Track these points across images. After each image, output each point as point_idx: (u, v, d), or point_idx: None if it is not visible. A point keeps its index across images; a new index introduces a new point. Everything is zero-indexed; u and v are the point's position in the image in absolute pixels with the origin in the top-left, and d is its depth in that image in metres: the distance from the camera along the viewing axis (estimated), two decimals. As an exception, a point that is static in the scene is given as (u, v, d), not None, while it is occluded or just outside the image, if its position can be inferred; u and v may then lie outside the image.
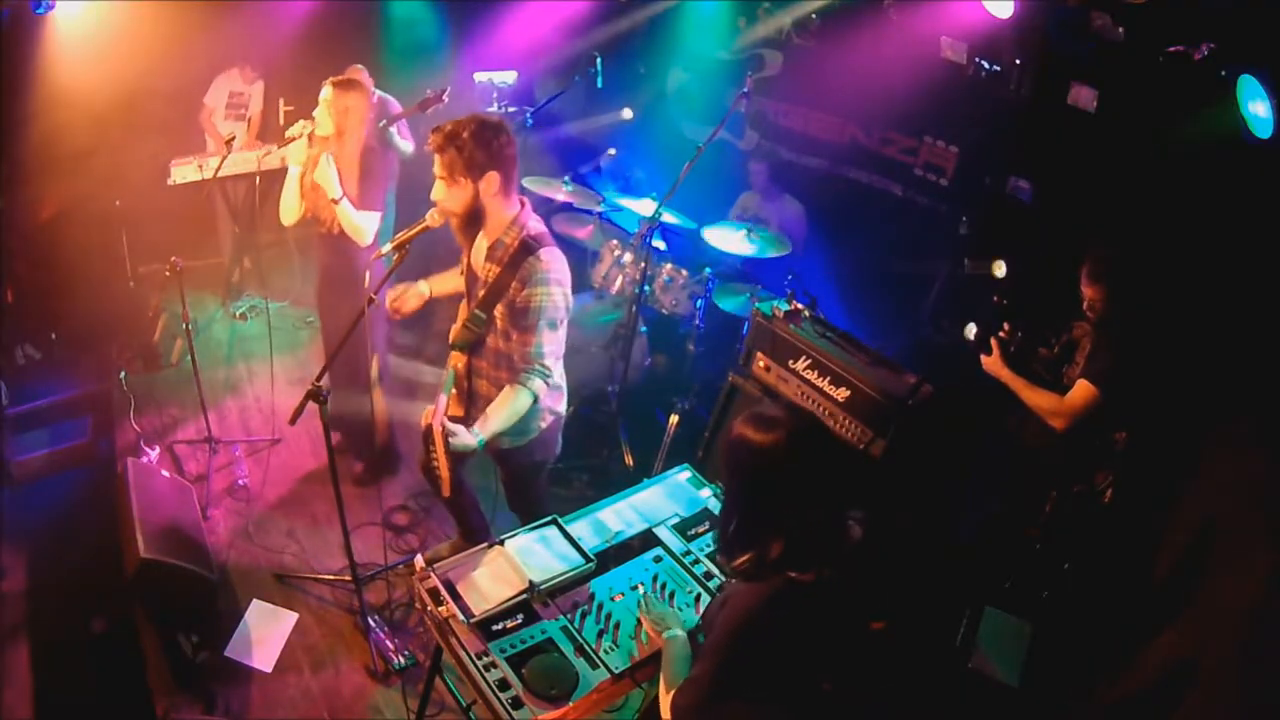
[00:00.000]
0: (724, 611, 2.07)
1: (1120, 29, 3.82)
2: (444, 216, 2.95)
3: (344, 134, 3.86)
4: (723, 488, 2.11)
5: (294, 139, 3.87)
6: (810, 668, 2.18)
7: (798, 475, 1.99)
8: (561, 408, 3.32)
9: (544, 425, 3.24)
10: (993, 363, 3.55)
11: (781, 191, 5.59)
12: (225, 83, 5.86)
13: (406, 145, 5.21)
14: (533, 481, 3.44)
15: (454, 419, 2.99)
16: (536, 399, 3.00)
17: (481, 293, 3.04)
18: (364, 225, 3.90)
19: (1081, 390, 3.27)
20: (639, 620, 2.54)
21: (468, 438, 2.85)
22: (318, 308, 4.41)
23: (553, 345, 2.99)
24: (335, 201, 3.85)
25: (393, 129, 5.06)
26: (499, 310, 3.00)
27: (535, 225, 3.00)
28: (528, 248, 2.93)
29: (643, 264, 4.50)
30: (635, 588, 2.67)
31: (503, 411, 2.95)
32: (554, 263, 2.94)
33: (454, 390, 3.23)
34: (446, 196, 2.91)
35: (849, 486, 2.17)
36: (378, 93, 5.30)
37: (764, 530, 2.00)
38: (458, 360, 3.18)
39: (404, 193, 5.40)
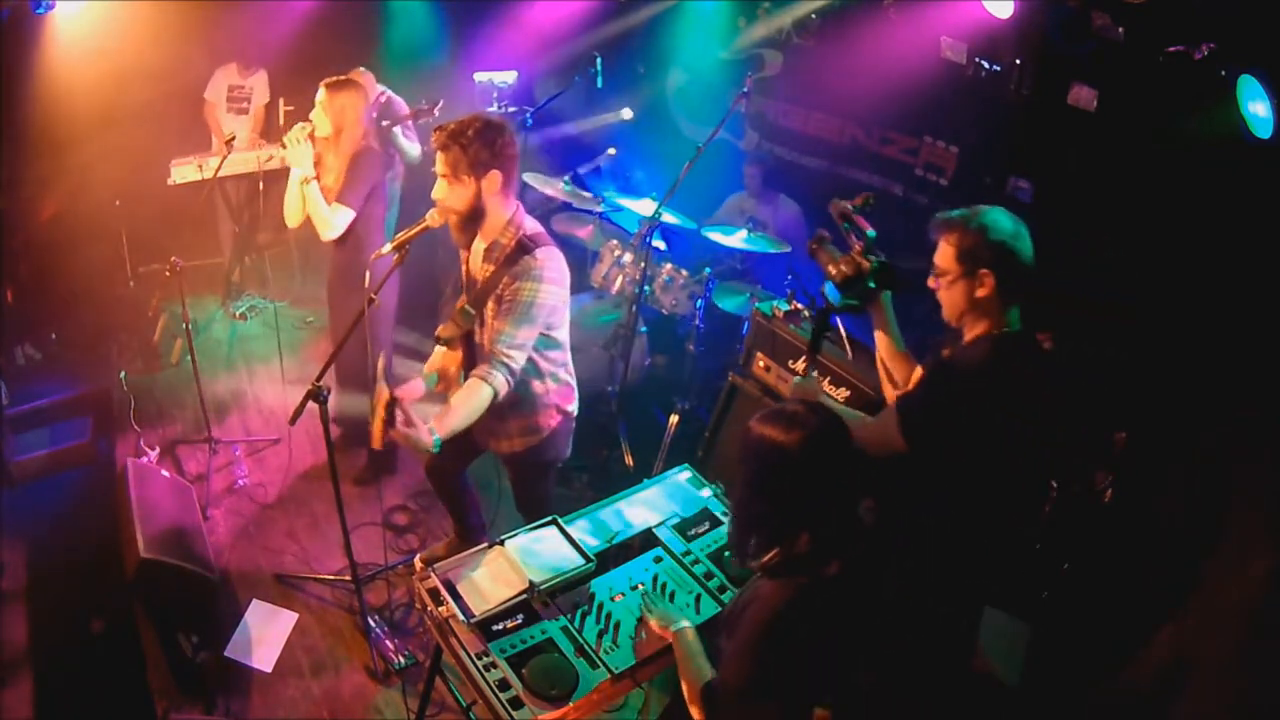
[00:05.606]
0: (752, 609, 2.05)
1: (1120, 29, 3.82)
2: (444, 215, 2.94)
3: (342, 132, 3.88)
4: (739, 486, 2.09)
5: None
6: (847, 661, 2.18)
7: (824, 472, 2.00)
8: (572, 407, 3.26)
9: (554, 424, 3.21)
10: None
11: (776, 193, 5.58)
12: (223, 77, 5.86)
13: (412, 148, 5.22)
14: (540, 482, 3.41)
15: None
16: (496, 395, 2.85)
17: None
18: (330, 218, 3.88)
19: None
20: (640, 619, 2.53)
21: (424, 436, 2.66)
22: (328, 304, 4.40)
23: (523, 338, 2.89)
24: (305, 181, 3.84)
25: (397, 130, 5.07)
26: (489, 307, 2.98)
27: (531, 225, 2.99)
28: (524, 247, 2.92)
29: (643, 264, 4.50)
30: (635, 588, 2.67)
31: (461, 410, 2.81)
32: (549, 261, 2.91)
33: (441, 393, 3.12)
34: (449, 194, 2.89)
35: (867, 478, 2.18)
36: (387, 93, 5.31)
37: (790, 527, 2.02)
38: (449, 363, 3.13)
39: (409, 193, 5.41)
